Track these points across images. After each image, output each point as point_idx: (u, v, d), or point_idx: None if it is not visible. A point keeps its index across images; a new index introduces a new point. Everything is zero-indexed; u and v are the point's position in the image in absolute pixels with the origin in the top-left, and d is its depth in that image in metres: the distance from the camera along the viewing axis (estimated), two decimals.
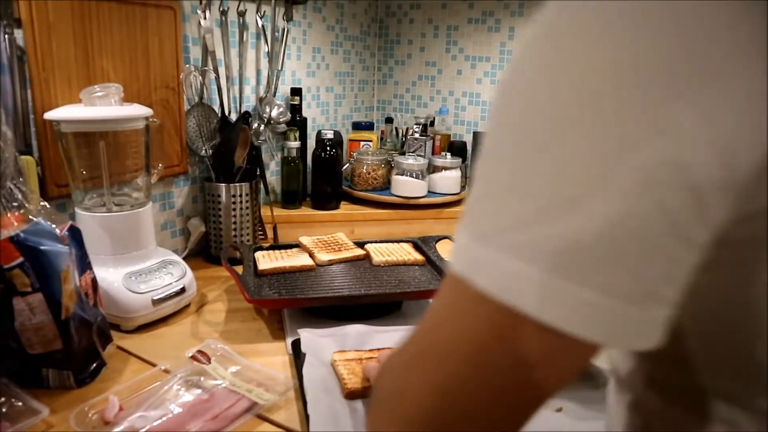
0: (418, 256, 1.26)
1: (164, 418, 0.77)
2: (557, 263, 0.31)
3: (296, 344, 0.97)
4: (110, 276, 1.03)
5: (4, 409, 0.78)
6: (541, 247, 0.31)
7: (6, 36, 0.96)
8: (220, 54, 1.37)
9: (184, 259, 1.20)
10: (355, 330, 1.01)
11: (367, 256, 1.27)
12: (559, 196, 0.31)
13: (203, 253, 1.43)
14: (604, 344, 0.32)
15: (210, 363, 0.91)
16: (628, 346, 0.34)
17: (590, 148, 0.31)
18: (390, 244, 1.33)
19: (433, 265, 1.23)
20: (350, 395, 0.84)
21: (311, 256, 1.24)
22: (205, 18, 1.29)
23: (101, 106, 1.02)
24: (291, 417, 0.81)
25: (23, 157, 0.99)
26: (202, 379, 0.87)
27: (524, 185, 0.32)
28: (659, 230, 0.30)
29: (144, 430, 0.75)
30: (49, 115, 0.99)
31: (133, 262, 1.08)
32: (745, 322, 0.37)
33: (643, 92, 0.29)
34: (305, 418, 0.77)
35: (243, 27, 1.40)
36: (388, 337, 1.02)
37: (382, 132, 1.97)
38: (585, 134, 0.31)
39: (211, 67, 1.33)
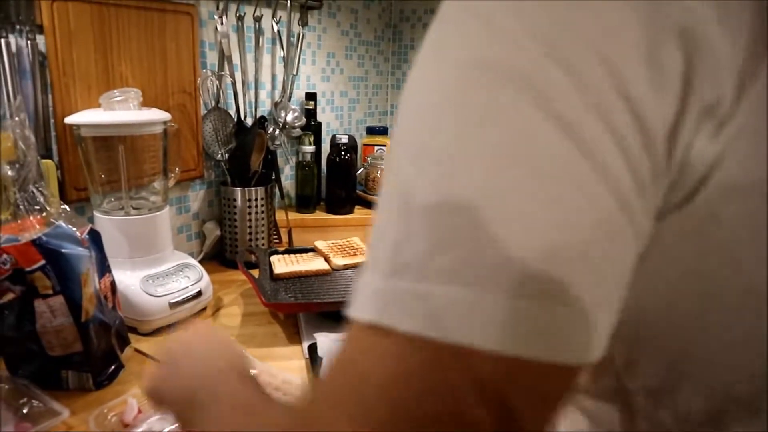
0: None
1: None
2: (515, 282, 0.26)
3: (313, 348, 0.97)
4: (128, 279, 1.04)
5: (25, 410, 0.79)
6: (494, 267, 0.26)
7: (28, 42, 0.98)
8: (236, 59, 1.38)
9: (200, 262, 1.20)
10: None
11: None
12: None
13: (218, 256, 1.43)
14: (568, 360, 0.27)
15: None
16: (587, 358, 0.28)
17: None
18: None
19: None
20: None
21: (327, 260, 1.24)
22: (221, 23, 1.30)
23: (120, 110, 1.03)
24: None
25: (44, 161, 1.00)
26: None
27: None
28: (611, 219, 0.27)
29: (163, 430, 0.75)
30: (69, 120, 1.00)
31: (151, 266, 1.08)
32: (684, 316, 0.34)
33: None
34: None
35: (259, 32, 1.41)
36: None
37: None
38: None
39: (228, 72, 1.34)
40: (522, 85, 0.27)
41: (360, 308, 0.30)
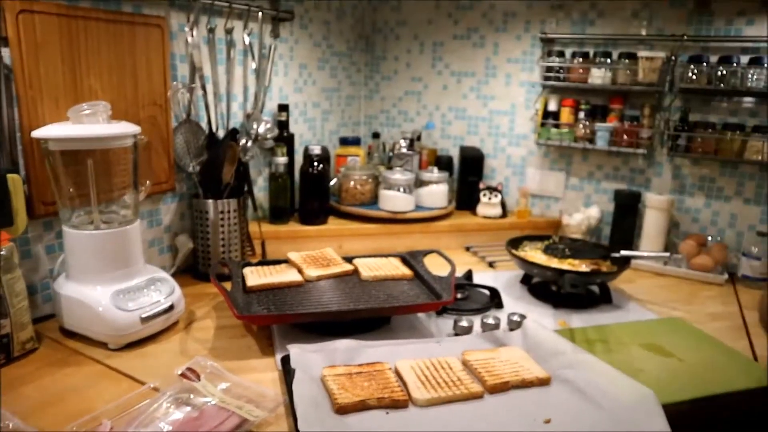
0: (407, 271, 1.27)
1: None
2: None
3: (286, 360, 0.97)
4: (98, 294, 1.03)
5: None
6: None
7: None
8: (207, 71, 1.38)
9: (172, 276, 1.20)
10: (344, 345, 1.02)
11: (356, 271, 1.27)
12: None
13: (191, 269, 1.42)
14: None
15: (200, 380, 0.90)
16: None
17: None
18: (378, 259, 1.34)
19: (422, 279, 1.24)
20: (341, 410, 0.84)
21: (300, 271, 1.24)
22: (192, 35, 1.30)
23: (89, 124, 1.02)
24: None
25: (10, 175, 0.98)
26: (191, 396, 0.87)
27: None
28: None
29: None
30: (36, 134, 0.99)
31: (121, 280, 1.07)
32: None
33: None
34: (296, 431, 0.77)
35: (230, 44, 1.41)
36: (378, 351, 1.02)
37: (369, 147, 1.99)
38: None
39: (199, 84, 1.34)
40: None
41: None
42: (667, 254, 1.44)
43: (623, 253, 1.42)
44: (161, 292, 1.11)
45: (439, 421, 0.84)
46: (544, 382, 0.96)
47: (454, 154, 2.00)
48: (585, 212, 1.77)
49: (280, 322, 1.11)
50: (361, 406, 0.86)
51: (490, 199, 1.83)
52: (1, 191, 0.98)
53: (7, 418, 0.79)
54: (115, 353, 1.02)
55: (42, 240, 1.12)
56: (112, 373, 0.96)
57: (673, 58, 1.59)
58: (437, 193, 1.77)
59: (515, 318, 1.17)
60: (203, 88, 1.35)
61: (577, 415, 0.87)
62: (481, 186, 1.84)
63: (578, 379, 0.94)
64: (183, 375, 0.91)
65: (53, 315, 1.11)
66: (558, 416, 0.86)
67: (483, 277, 1.48)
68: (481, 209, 1.85)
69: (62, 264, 1.10)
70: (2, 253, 0.95)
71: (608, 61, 1.66)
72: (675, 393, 0.96)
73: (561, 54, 1.73)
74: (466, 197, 1.90)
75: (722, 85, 1.52)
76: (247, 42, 1.46)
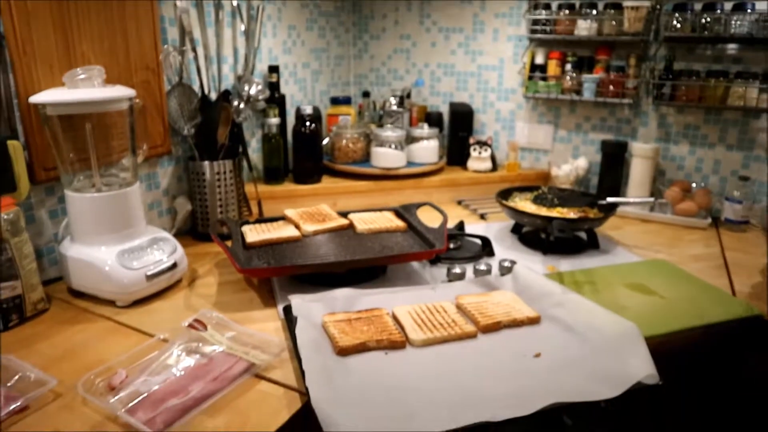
0: (400, 223, 1.32)
1: (167, 382, 0.82)
2: None
3: (288, 309, 1.02)
4: (103, 254, 1.07)
5: (10, 383, 0.82)
6: None
7: None
8: (197, 34, 1.38)
9: (174, 237, 1.23)
10: (342, 294, 1.06)
11: (351, 226, 1.31)
12: None
13: (191, 231, 1.46)
14: None
15: (207, 330, 0.95)
16: None
17: None
18: (372, 213, 1.38)
19: (415, 230, 1.28)
20: (342, 352, 0.89)
21: (297, 227, 1.28)
22: None
23: (85, 88, 1.04)
24: (287, 375, 0.86)
25: (10, 141, 1.01)
26: (200, 345, 0.92)
27: None
28: None
29: (148, 392, 0.79)
30: (34, 99, 1.01)
31: (125, 241, 1.11)
32: None
33: None
34: (301, 374, 0.82)
35: (218, 6, 1.41)
36: (375, 299, 1.07)
37: (360, 106, 2.00)
38: None
39: (189, 47, 1.35)
40: None
41: None
42: (651, 199, 1.49)
43: (609, 200, 1.47)
44: (164, 251, 1.15)
45: (435, 358, 0.90)
46: (534, 321, 1.01)
47: (444, 110, 2.02)
48: (573, 163, 1.81)
49: (280, 274, 1.15)
50: (361, 348, 0.91)
51: (480, 153, 1.86)
52: (1, 158, 1.01)
53: (28, 369, 0.84)
54: (123, 310, 1.07)
55: (45, 205, 1.15)
56: (122, 328, 1.01)
57: (658, 6, 1.60)
58: (428, 149, 1.80)
59: (506, 264, 1.21)
60: (194, 50, 1.36)
61: (565, 349, 0.92)
62: (471, 141, 1.87)
63: (566, 317, 1.00)
64: (191, 326, 0.96)
65: (60, 278, 1.15)
66: (547, 350, 0.92)
67: (475, 228, 1.53)
68: (471, 164, 1.88)
69: (66, 227, 1.13)
70: (9, 217, 0.98)
71: (594, 12, 1.67)
72: (656, 326, 1.02)
73: (547, 6, 1.74)
74: (456, 152, 1.93)
75: (706, 32, 1.54)
76: (235, 4, 1.46)
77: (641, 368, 0.83)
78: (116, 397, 0.78)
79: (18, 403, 0.77)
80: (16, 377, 0.83)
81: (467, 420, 0.72)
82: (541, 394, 0.78)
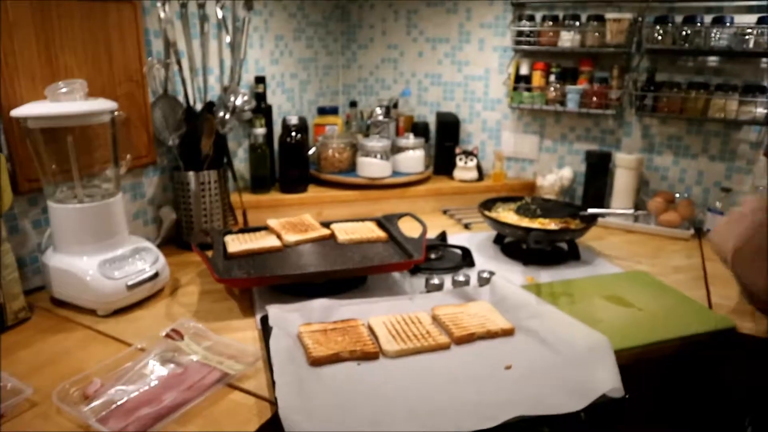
0: (381, 233, 1.33)
1: (141, 391, 0.84)
2: None
3: (265, 319, 1.03)
4: (85, 264, 1.08)
5: None
6: None
7: None
8: (182, 46, 1.40)
9: (158, 246, 1.25)
10: (320, 304, 1.08)
11: (333, 236, 1.33)
12: None
13: (176, 240, 1.48)
14: None
15: (183, 339, 0.97)
16: None
17: None
18: (355, 223, 1.40)
19: (395, 240, 1.30)
20: (315, 362, 0.91)
21: (279, 237, 1.30)
22: (164, 11, 1.32)
23: (66, 101, 1.05)
24: (260, 385, 0.88)
25: None
26: (176, 354, 0.93)
27: None
28: None
29: (122, 401, 0.81)
30: (15, 113, 1.03)
31: (107, 251, 1.12)
32: None
33: None
34: (272, 384, 0.84)
35: (203, 18, 1.43)
36: (352, 309, 1.09)
37: (348, 116, 2.02)
38: None
39: (174, 59, 1.37)
40: None
41: None
42: (631, 211, 1.51)
43: (590, 211, 1.48)
44: (146, 260, 1.16)
45: (407, 369, 0.91)
46: (508, 333, 1.03)
47: (431, 120, 2.04)
48: (558, 173, 1.83)
49: (258, 284, 1.17)
50: (335, 358, 0.92)
51: (466, 163, 1.88)
52: None
53: (5, 379, 0.86)
54: (103, 319, 1.08)
55: (28, 215, 1.17)
56: (101, 337, 1.02)
57: (639, 19, 1.62)
58: (413, 158, 1.82)
59: (484, 275, 1.23)
60: (178, 63, 1.38)
61: (535, 361, 0.94)
62: (457, 151, 1.89)
63: (540, 329, 1.01)
64: (168, 335, 0.98)
65: (43, 287, 1.16)
66: (518, 362, 0.93)
67: (458, 238, 1.54)
68: (457, 173, 1.90)
69: (49, 237, 1.15)
70: None
71: (577, 24, 1.69)
72: (629, 339, 1.04)
73: (531, 18, 1.76)
74: (443, 162, 1.95)
75: (686, 44, 1.56)
76: (220, 16, 1.48)
77: (607, 381, 0.84)
78: (89, 406, 0.80)
79: None
80: None
81: (433, 429, 0.74)
82: (507, 407, 0.79)
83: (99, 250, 1.12)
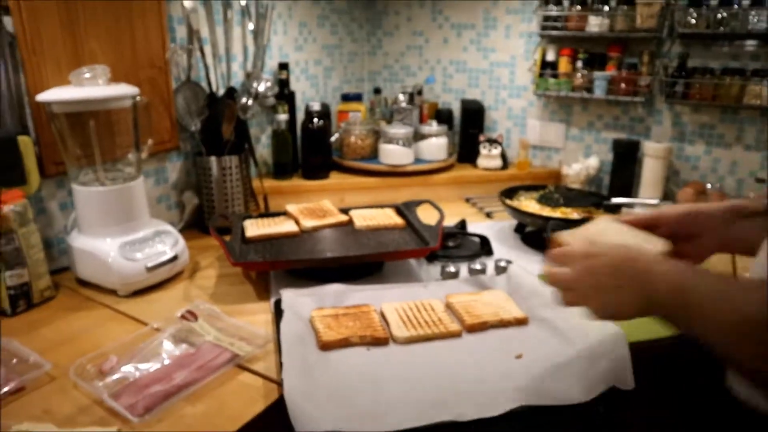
0: (399, 220, 1.33)
1: (154, 369, 0.86)
2: None
3: (278, 303, 1.05)
4: (107, 246, 1.11)
5: (14, 362, 0.87)
6: None
7: None
8: (205, 32, 1.42)
9: (181, 230, 1.27)
10: (333, 289, 1.08)
11: (351, 222, 1.33)
12: None
13: (198, 224, 1.50)
14: None
15: (197, 321, 0.99)
16: None
17: None
18: (373, 210, 1.40)
19: (412, 227, 1.30)
20: (324, 346, 0.91)
21: (297, 222, 1.31)
22: None
23: (89, 86, 1.08)
24: (269, 366, 0.89)
25: (21, 137, 1.06)
26: (189, 335, 0.95)
27: None
28: None
29: (134, 378, 0.83)
30: (40, 97, 1.06)
31: (128, 233, 1.15)
32: None
33: None
34: (280, 366, 0.85)
35: (227, 5, 1.45)
36: (365, 295, 1.09)
37: (372, 102, 2.02)
38: None
39: (197, 46, 1.38)
40: None
41: None
42: (657, 201, 1.46)
43: (614, 200, 1.45)
44: (165, 243, 1.19)
45: (416, 356, 0.91)
46: (521, 322, 1.01)
47: (456, 107, 2.02)
48: (584, 162, 1.79)
49: (272, 268, 1.18)
50: (344, 343, 0.93)
51: (490, 151, 1.85)
52: (13, 153, 1.06)
53: (27, 353, 0.89)
54: (123, 299, 1.11)
55: (55, 197, 1.20)
56: (120, 316, 1.06)
57: (672, 2, 1.57)
58: (436, 146, 1.81)
59: (502, 263, 1.22)
60: (201, 49, 1.39)
61: (547, 351, 0.92)
62: (481, 138, 1.87)
63: (554, 318, 1.00)
64: (182, 317, 1.00)
65: (69, 267, 1.20)
66: (529, 352, 0.92)
67: (478, 226, 1.52)
68: (481, 161, 1.88)
69: (74, 219, 1.18)
70: (16, 208, 1.04)
71: (606, 8, 1.64)
72: (645, 332, 1.01)
73: (559, 2, 1.72)
74: (467, 150, 1.93)
75: (722, 28, 1.50)
76: (243, 3, 1.49)
77: (618, 374, 0.83)
78: (103, 382, 0.82)
79: (14, 384, 0.82)
80: (15, 360, 0.88)
81: (431, 418, 0.74)
82: (513, 396, 0.79)
83: (121, 233, 1.15)
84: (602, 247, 0.69)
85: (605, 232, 0.79)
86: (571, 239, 0.77)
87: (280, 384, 0.83)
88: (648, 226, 0.81)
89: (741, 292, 0.55)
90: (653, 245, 0.77)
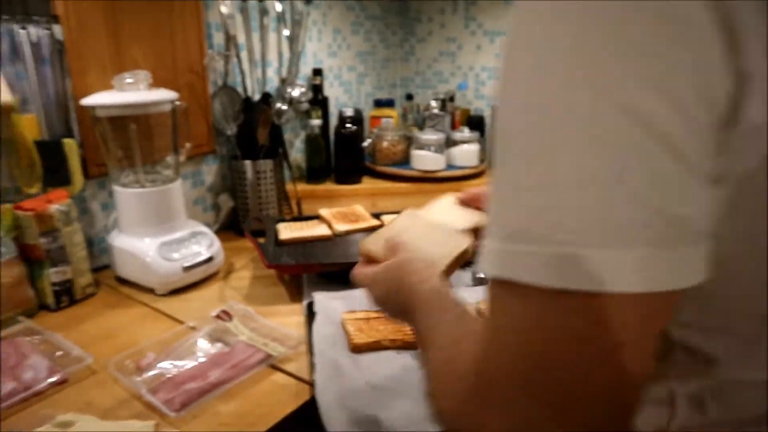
0: None
1: (189, 366, 0.88)
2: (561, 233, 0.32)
3: (310, 305, 1.06)
4: (146, 245, 1.15)
5: (58, 354, 0.90)
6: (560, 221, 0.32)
7: (46, 31, 1.07)
8: (242, 39, 1.45)
9: (216, 232, 1.30)
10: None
11: (382, 226, 1.34)
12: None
13: (233, 226, 1.53)
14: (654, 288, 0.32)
15: (232, 321, 1.01)
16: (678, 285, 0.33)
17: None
18: None
19: None
20: (356, 349, 0.92)
21: (329, 226, 1.32)
22: (226, 5, 1.37)
23: (131, 91, 1.12)
24: (301, 367, 0.90)
25: (66, 140, 1.11)
26: (224, 334, 0.97)
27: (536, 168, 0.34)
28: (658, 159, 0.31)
29: (171, 374, 0.85)
30: (85, 102, 1.10)
31: (166, 233, 1.19)
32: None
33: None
34: (311, 367, 0.86)
35: (263, 12, 1.48)
36: None
37: (404, 108, 2.03)
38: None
39: (234, 52, 1.42)
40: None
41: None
42: None
43: None
44: (201, 244, 1.22)
45: None
46: None
47: (488, 114, 2.01)
48: None
49: (305, 271, 1.19)
50: (375, 346, 0.94)
51: None
52: (59, 154, 1.11)
53: (70, 347, 0.93)
54: (160, 298, 1.14)
55: (97, 198, 1.25)
56: (157, 314, 1.08)
57: None
58: (468, 152, 1.80)
59: None
60: (237, 56, 1.43)
61: None
62: None
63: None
64: (218, 316, 1.02)
65: (109, 265, 1.24)
66: None
67: None
68: None
69: (115, 219, 1.22)
70: (62, 208, 1.08)
71: None
72: None
73: None
74: None
75: None
76: (279, 9, 1.52)
77: None
78: (141, 378, 0.85)
79: (59, 376, 0.85)
80: (59, 353, 0.92)
81: None
82: None
83: (159, 233, 1.18)
84: (382, 269, 0.69)
85: (408, 229, 0.77)
86: (373, 246, 0.74)
87: (311, 385, 0.85)
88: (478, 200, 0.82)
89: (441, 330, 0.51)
90: (468, 223, 0.78)
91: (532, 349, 0.34)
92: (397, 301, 0.64)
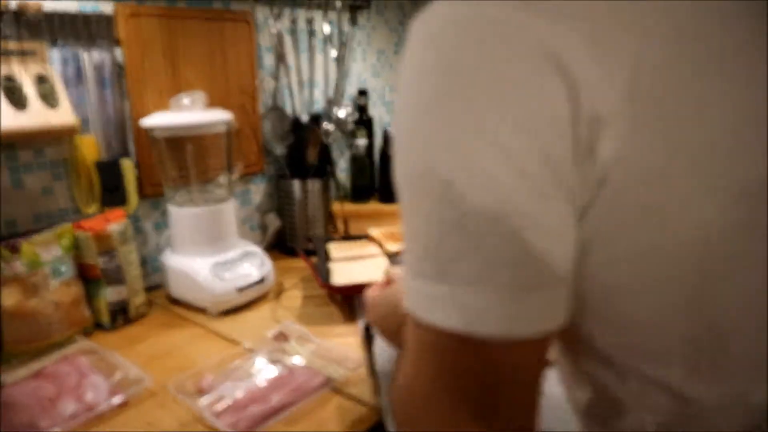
0: None
1: (250, 389, 0.86)
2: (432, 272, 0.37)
3: (368, 327, 1.04)
4: (198, 265, 1.14)
5: (117, 374, 0.90)
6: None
7: (108, 54, 1.09)
8: (291, 60, 1.46)
9: (263, 251, 1.30)
10: None
11: None
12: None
13: (279, 245, 1.53)
14: (512, 335, 0.36)
15: (289, 342, 0.99)
16: (538, 329, 0.37)
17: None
18: None
19: None
20: None
21: (380, 246, 1.31)
22: (276, 28, 1.39)
23: (187, 112, 1.13)
24: (362, 390, 0.88)
25: (123, 160, 1.12)
26: (282, 356, 0.96)
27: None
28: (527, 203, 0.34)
29: (232, 397, 0.84)
30: (144, 122, 1.11)
31: (218, 253, 1.18)
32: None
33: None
34: (376, 391, 0.84)
35: (311, 34, 1.49)
36: None
37: None
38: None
39: (283, 73, 1.43)
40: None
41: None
42: None
43: None
44: (253, 264, 1.21)
45: None
46: None
47: None
48: None
49: (360, 291, 1.17)
50: None
51: None
52: (117, 175, 1.12)
53: (128, 367, 0.92)
54: (214, 318, 1.13)
55: (150, 217, 1.25)
56: (212, 335, 1.07)
57: None
58: None
59: None
60: (287, 76, 1.43)
61: None
62: None
63: None
64: (275, 337, 1.01)
65: (161, 285, 1.24)
66: None
67: None
68: None
69: (167, 239, 1.23)
70: (119, 228, 1.08)
71: None
72: None
73: None
74: None
75: None
76: (327, 31, 1.53)
77: None
78: (203, 399, 0.84)
79: (121, 398, 0.84)
80: (118, 374, 0.91)
81: None
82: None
83: (212, 253, 1.17)
84: (383, 291, 0.75)
85: None
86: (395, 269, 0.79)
87: (377, 408, 0.82)
88: None
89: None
90: None
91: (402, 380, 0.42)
92: (390, 322, 0.68)
